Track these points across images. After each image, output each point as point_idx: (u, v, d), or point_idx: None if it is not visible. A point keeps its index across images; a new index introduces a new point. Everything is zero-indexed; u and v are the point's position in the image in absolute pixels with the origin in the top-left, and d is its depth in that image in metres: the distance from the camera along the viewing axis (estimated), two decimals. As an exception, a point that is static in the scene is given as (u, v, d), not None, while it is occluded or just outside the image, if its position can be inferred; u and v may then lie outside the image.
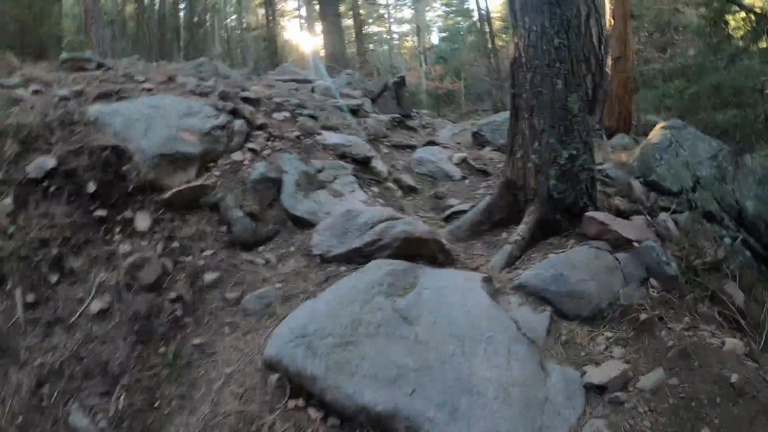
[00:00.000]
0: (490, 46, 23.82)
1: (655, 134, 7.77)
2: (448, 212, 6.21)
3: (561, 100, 5.41)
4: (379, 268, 4.26)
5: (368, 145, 7.58)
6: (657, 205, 6.54)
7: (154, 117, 5.75)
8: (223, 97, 7.07)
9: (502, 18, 31.52)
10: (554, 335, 4.11)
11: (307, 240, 5.16)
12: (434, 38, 39.44)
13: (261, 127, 6.79)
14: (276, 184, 5.76)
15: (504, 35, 27.31)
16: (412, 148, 9.00)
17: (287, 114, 7.75)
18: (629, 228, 5.19)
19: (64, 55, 9.75)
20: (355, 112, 9.65)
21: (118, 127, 5.44)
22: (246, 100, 7.53)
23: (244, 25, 30.34)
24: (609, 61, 10.99)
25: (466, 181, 7.28)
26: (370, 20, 34.05)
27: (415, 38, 34.38)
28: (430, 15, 39.99)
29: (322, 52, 19.67)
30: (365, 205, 5.81)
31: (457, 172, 7.45)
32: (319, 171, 6.23)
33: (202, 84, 7.41)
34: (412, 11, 37.63)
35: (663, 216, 6.06)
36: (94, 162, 5.07)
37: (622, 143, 9.41)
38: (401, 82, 12.20)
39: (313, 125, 7.76)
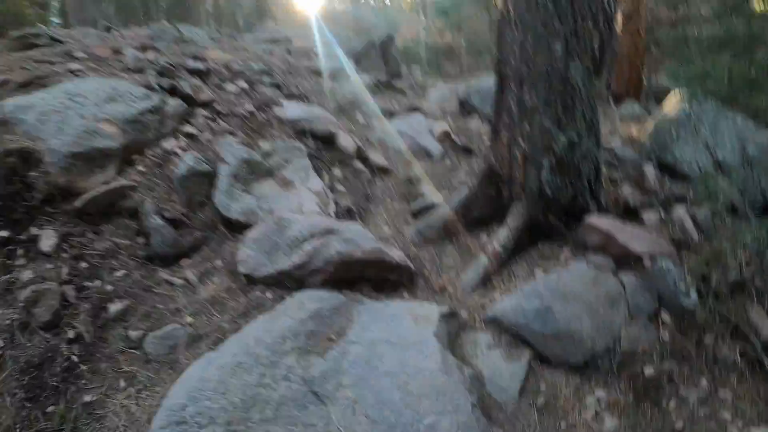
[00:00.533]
0: (491, -1, 22.19)
1: (672, 107, 6.50)
2: (417, 205, 5.00)
3: (560, 69, 4.14)
4: (301, 306, 3.17)
5: (334, 118, 6.37)
6: (672, 194, 5.34)
7: (71, 108, 4.63)
8: (162, 72, 5.87)
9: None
10: (530, 396, 3.01)
11: (237, 251, 4.02)
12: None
13: (205, 105, 5.61)
14: (209, 178, 4.62)
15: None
16: (394, 114, 7.78)
17: (244, 84, 6.54)
18: (639, 239, 4.04)
19: (14, 32, 8.54)
20: (333, 75, 8.40)
21: (30, 125, 4.35)
22: (194, 72, 6.32)
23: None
24: (618, 18, 9.52)
25: (447, 160, 6.06)
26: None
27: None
28: None
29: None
30: (312, 200, 4.67)
31: (436, 149, 6.23)
32: (268, 155, 5.05)
33: (141, 58, 6.19)
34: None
35: (680, 211, 4.88)
36: (-4, 171, 4.02)
37: (633, 113, 8.10)
38: (389, 41, 10.87)
39: (273, 95, 6.56)
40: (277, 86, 6.91)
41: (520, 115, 4.25)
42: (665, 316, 3.58)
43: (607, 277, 3.70)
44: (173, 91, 5.49)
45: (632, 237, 4.00)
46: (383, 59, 10.59)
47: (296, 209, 4.49)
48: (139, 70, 5.87)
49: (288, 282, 3.60)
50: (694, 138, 6.09)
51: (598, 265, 3.78)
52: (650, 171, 5.60)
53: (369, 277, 3.66)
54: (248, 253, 3.81)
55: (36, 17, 12.72)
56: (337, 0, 15.07)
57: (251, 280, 3.74)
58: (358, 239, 3.71)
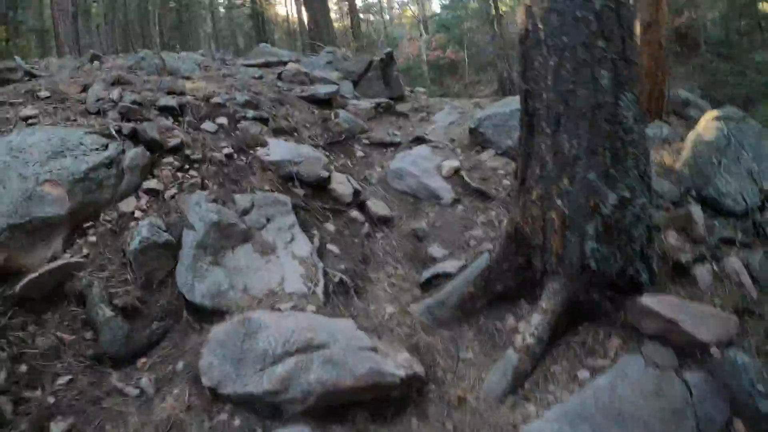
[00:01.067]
0: (493, 11, 21.19)
1: (707, 128, 5.53)
2: (427, 273, 4.02)
3: (608, 104, 3.18)
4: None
5: (325, 156, 5.45)
6: (721, 238, 4.40)
7: (12, 167, 3.78)
8: (126, 113, 4.97)
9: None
10: None
11: (200, 353, 3.08)
12: (435, 6, 36.55)
13: (174, 150, 4.71)
14: (171, 249, 3.67)
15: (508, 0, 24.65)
16: (396, 146, 6.84)
17: (224, 120, 5.63)
18: (704, 321, 3.15)
19: None
20: (327, 102, 7.48)
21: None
22: (166, 110, 5.43)
23: (231, 3, 27.71)
24: (637, 27, 8.51)
25: (459, 207, 5.05)
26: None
27: (415, 7, 31.59)
28: None
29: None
30: (296, 274, 3.70)
31: (446, 192, 5.24)
32: (245, 212, 4.11)
33: (105, 97, 5.30)
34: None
35: (734, 263, 3.96)
36: None
37: (661, 135, 7.10)
38: (388, 59, 9.91)
39: (257, 132, 5.65)
40: (263, 120, 5.99)
41: (557, 166, 3.27)
42: (739, 426, 2.72)
43: (671, 382, 2.83)
44: (136, 137, 4.58)
45: (696, 319, 3.11)
46: (383, 79, 9.66)
47: (276, 288, 3.54)
48: (100, 113, 4.98)
49: (260, 407, 2.64)
50: (736, 165, 5.17)
51: (657, 363, 2.87)
52: (698, 213, 4.63)
53: (365, 402, 2.70)
54: (212, 362, 2.84)
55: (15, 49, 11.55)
56: (320, 16, 14.27)
57: (217, 397, 2.78)
58: (348, 358, 2.72)
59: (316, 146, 6.01)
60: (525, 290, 3.55)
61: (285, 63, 10.88)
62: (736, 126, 5.46)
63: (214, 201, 4.06)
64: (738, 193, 4.85)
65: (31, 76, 7.41)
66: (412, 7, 32.53)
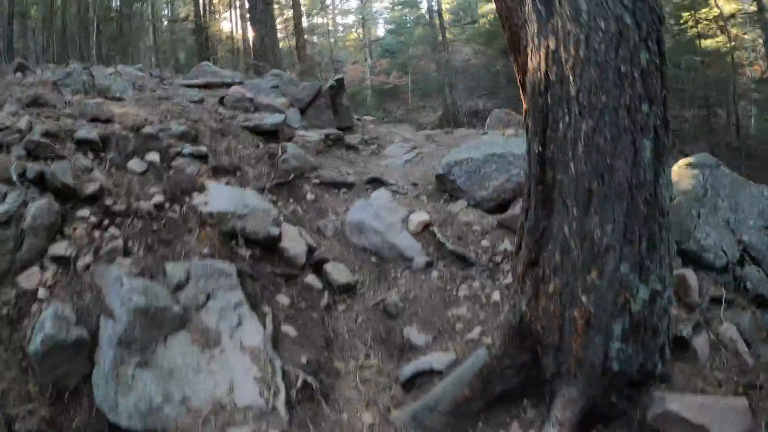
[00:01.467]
0: (440, 38, 20.83)
1: (684, 177, 5.13)
2: (409, 370, 3.25)
3: (648, 183, 2.54)
4: None
5: (273, 208, 4.66)
6: (709, 298, 4.07)
7: None
8: (34, 149, 4.06)
9: (451, 10, 28.27)
10: None
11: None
12: (380, 30, 36.02)
13: (92, 199, 3.82)
14: (85, 348, 2.81)
15: (454, 28, 24.40)
16: (349, 187, 6.11)
17: (156, 157, 4.79)
18: (727, 419, 2.76)
19: None
20: (274, 133, 6.69)
21: None
22: (85, 143, 4.53)
23: (175, 16, 26.33)
24: None
25: (434, 272, 4.27)
26: (314, 11, 30.34)
27: (360, 30, 30.95)
28: (376, 6, 36.45)
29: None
30: (249, 376, 2.91)
31: (417, 253, 4.48)
32: (179, 287, 3.28)
33: (9, 126, 4.35)
34: (358, 2, 34.07)
35: (728, 330, 3.71)
36: None
37: None
38: (339, 86, 9.18)
39: (194, 173, 4.84)
40: (202, 157, 5.16)
41: (585, 256, 2.59)
42: None
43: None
44: (44, 182, 3.69)
45: (720, 420, 2.72)
46: (332, 108, 8.91)
47: (225, 399, 2.73)
48: (2, 148, 4.04)
49: None
50: (714, 215, 4.85)
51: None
52: (691, 277, 4.19)
53: None
54: None
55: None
56: (266, 35, 13.34)
57: None
58: None
59: (262, 189, 5.23)
60: (529, 390, 2.88)
61: (228, 85, 10.01)
62: (711, 173, 5.13)
63: (140, 274, 3.21)
64: (718, 246, 4.54)
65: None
66: (357, 30, 31.99)
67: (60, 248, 3.31)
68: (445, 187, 5.59)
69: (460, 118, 19.99)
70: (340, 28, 34.83)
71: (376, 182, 6.15)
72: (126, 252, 3.43)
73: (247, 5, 16.76)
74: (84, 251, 3.35)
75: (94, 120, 5.23)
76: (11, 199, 3.35)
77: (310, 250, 4.34)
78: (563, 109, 2.62)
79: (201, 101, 7.53)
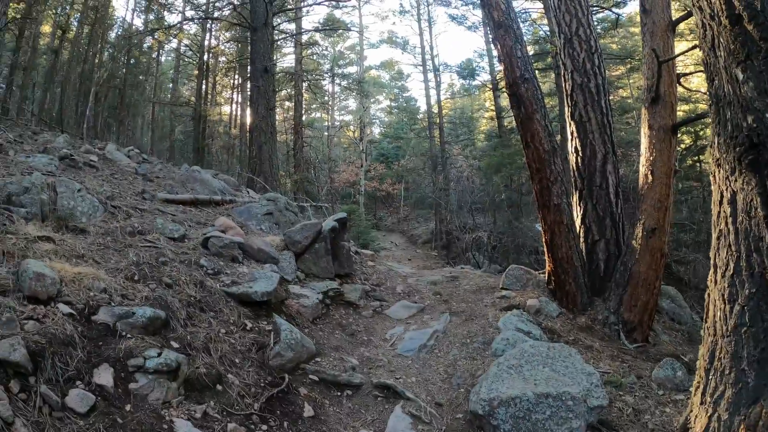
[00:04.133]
0: (439, 156, 19.89)
1: None
2: None
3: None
4: None
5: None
6: None
7: None
8: None
9: (450, 119, 27.60)
10: None
11: None
12: (377, 130, 35.31)
13: None
14: None
15: (455, 143, 23.64)
16: (355, 389, 4.80)
17: (110, 377, 3.40)
18: None
19: None
20: (261, 305, 5.32)
21: None
22: (7, 365, 3.09)
23: (174, 98, 25.24)
24: (638, 231, 6.84)
25: None
26: (313, 106, 29.59)
27: (356, 129, 30.08)
28: (374, 108, 35.95)
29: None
30: None
31: None
32: None
33: None
34: (356, 102, 33.41)
35: None
36: None
37: (673, 377, 5.23)
38: (341, 227, 7.90)
39: (158, 402, 3.46)
40: (171, 371, 3.71)
41: None
42: None
43: None
44: None
45: None
46: (332, 253, 7.59)
47: None
48: None
49: None
50: None
51: None
52: None
53: None
54: None
55: None
56: (267, 149, 12.08)
57: None
58: None
59: (248, 417, 3.79)
60: None
61: (217, 203, 8.70)
62: None
63: None
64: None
65: None
66: (353, 128, 31.24)
67: None
68: (483, 430, 4.14)
69: (452, 232, 18.94)
70: (337, 124, 34.24)
71: (387, 390, 4.77)
72: None
73: (249, 103, 15.73)
74: None
75: (30, 299, 3.77)
76: None
77: None
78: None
79: (182, 239, 6.13)
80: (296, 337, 4.82)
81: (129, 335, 3.84)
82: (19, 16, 18.26)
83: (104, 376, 3.41)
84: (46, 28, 23.16)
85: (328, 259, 7.47)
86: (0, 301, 3.62)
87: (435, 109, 22.95)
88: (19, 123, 14.31)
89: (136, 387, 3.48)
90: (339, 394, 4.70)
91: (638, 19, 9.20)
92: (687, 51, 8.30)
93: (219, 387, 3.94)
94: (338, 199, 16.92)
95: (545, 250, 7.15)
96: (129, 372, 3.56)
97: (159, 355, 3.76)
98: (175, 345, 4.01)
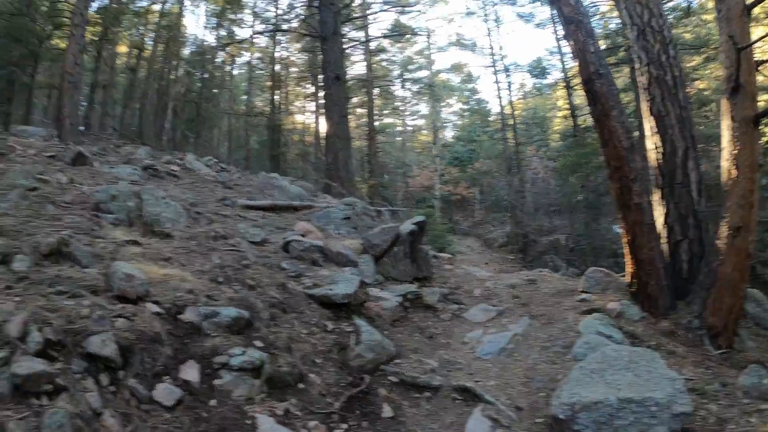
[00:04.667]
0: (513, 158, 19.49)
1: None
2: None
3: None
4: None
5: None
6: None
7: None
8: (22, 385, 2.70)
9: (523, 120, 26.91)
10: None
11: None
12: (449, 134, 34.98)
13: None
14: None
15: (529, 144, 23.09)
16: (434, 391, 4.61)
17: (196, 373, 3.49)
18: None
19: None
20: (342, 307, 5.28)
21: None
22: (97, 359, 3.20)
23: (248, 108, 26.01)
24: (723, 230, 6.35)
25: None
26: (385, 111, 29.77)
27: (429, 132, 30.00)
28: (446, 111, 35.67)
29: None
30: None
31: None
32: None
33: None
34: (428, 106, 33.32)
35: None
36: None
37: (759, 385, 4.81)
38: (420, 230, 7.79)
39: (243, 400, 3.51)
40: (254, 369, 3.72)
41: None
42: None
43: None
44: None
45: None
46: (411, 256, 7.49)
47: None
48: None
49: None
50: None
51: None
52: None
53: None
54: None
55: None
56: (341, 148, 12.24)
57: None
58: None
59: (328, 416, 3.74)
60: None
61: (295, 209, 8.78)
62: None
63: None
64: None
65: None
66: (424, 130, 31.18)
67: None
68: (566, 434, 3.92)
69: (528, 235, 18.49)
70: (410, 128, 34.21)
71: (466, 392, 4.61)
72: None
73: (324, 111, 15.93)
74: None
75: (120, 298, 3.86)
76: None
77: None
78: None
79: (263, 243, 6.20)
80: (376, 338, 4.77)
81: (214, 334, 3.87)
82: (96, 38, 19.34)
83: (190, 372, 3.45)
84: (122, 48, 24.42)
85: (407, 262, 7.38)
86: (91, 300, 3.73)
87: (507, 110, 22.62)
88: (102, 137, 15.08)
89: (220, 383, 3.50)
90: (417, 395, 4.58)
91: (710, 5, 8.67)
92: (766, 36, 7.69)
93: (300, 386, 3.92)
94: (414, 204, 16.85)
95: (626, 251, 6.79)
96: (214, 369, 3.59)
97: (243, 353, 3.77)
98: (259, 344, 4.01)
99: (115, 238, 5.20)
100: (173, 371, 3.43)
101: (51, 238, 4.59)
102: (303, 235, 6.48)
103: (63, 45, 17.16)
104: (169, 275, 4.45)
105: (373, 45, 24.60)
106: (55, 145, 10.49)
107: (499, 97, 23.42)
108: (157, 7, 22.89)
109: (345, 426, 3.78)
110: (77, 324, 3.42)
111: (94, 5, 18.06)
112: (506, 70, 24.17)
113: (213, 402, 3.36)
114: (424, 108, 34.45)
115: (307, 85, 25.74)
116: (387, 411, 4.15)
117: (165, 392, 3.23)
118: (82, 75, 15.80)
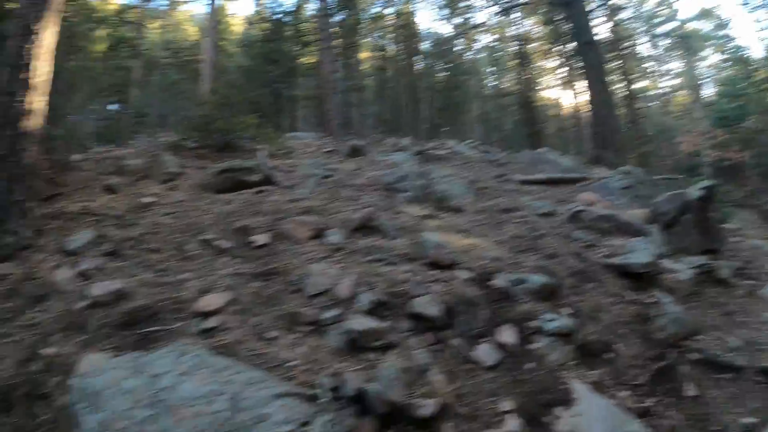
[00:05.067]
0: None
1: None
2: None
3: None
4: None
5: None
6: None
7: None
8: (357, 339, 3.18)
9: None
10: None
11: None
12: (708, 91, 31.02)
13: (424, 425, 2.78)
14: None
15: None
16: (737, 372, 4.20)
17: (511, 335, 3.74)
18: None
19: (225, 164, 6.68)
20: (638, 277, 5.11)
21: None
22: (419, 318, 3.66)
23: (497, 90, 25.93)
24: None
25: None
26: (635, 76, 27.44)
27: (688, 92, 26.97)
28: (701, 66, 31.66)
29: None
30: None
31: None
32: None
33: (329, 289, 3.64)
34: (683, 62, 29.93)
35: None
36: None
37: None
38: (708, 196, 7.11)
39: (555, 363, 3.69)
40: (564, 334, 3.80)
41: None
42: None
43: None
44: (364, 401, 2.67)
45: None
46: (699, 226, 6.90)
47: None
48: (318, 327, 3.28)
49: None
50: None
51: None
52: None
53: None
54: None
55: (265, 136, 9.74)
56: (605, 111, 11.57)
57: None
58: None
59: (635, 387, 3.68)
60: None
61: (573, 181, 8.64)
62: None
63: None
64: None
65: (268, 182, 6.56)
66: (681, 91, 28.17)
67: None
68: None
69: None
70: (665, 90, 31.11)
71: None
72: None
73: (586, 79, 15.26)
74: None
75: (432, 265, 4.25)
76: (318, 429, 2.34)
77: None
78: None
79: (550, 215, 6.25)
80: (677, 311, 4.58)
81: (523, 300, 4.04)
82: (341, 48, 21.57)
83: (507, 334, 3.67)
84: (365, 54, 26.32)
85: (695, 232, 6.83)
86: (407, 266, 4.16)
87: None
88: (363, 133, 16.55)
89: (535, 348, 3.65)
90: (717, 375, 4.22)
91: None
92: None
93: (606, 355, 3.90)
94: (683, 173, 15.35)
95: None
96: (527, 333, 3.75)
97: (554, 319, 3.88)
98: (567, 311, 4.08)
99: (413, 213, 5.68)
100: (490, 333, 3.67)
101: (358, 213, 5.20)
102: (589, 206, 6.39)
103: (310, 60, 19.56)
104: (471, 245, 4.75)
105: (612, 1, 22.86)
106: (328, 142, 11.81)
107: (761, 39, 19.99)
108: (389, 10, 24.24)
109: (653, 400, 3.68)
110: (399, 287, 3.85)
111: (335, 20, 20.10)
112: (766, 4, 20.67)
113: (529, 365, 3.52)
114: (677, 66, 31.19)
115: (552, 59, 25.01)
116: (690, 389, 3.93)
117: (486, 353, 3.48)
118: (338, 81, 17.52)
